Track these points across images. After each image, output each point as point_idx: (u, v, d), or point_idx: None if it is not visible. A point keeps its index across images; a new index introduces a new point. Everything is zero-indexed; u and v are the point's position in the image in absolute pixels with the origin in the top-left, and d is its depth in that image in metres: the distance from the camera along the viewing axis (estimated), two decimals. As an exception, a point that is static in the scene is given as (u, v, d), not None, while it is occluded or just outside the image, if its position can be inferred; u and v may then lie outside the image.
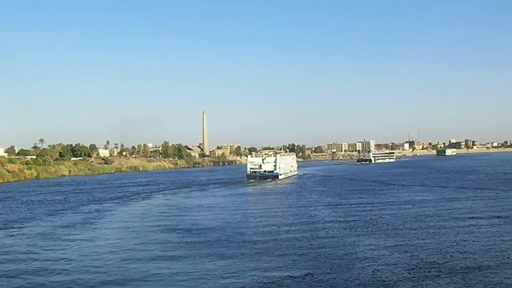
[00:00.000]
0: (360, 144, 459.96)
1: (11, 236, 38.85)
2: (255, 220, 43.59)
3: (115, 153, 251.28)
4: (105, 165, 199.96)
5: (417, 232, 34.28)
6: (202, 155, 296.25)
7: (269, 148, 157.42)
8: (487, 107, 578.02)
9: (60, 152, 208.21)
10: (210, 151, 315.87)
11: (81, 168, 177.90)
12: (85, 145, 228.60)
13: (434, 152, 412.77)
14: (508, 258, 25.77)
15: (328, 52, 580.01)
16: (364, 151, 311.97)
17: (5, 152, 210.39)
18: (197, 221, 43.92)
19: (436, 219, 40.03)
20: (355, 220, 40.79)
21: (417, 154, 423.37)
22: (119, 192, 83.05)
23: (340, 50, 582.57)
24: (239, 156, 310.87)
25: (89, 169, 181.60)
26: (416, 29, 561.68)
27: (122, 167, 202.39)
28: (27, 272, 26.16)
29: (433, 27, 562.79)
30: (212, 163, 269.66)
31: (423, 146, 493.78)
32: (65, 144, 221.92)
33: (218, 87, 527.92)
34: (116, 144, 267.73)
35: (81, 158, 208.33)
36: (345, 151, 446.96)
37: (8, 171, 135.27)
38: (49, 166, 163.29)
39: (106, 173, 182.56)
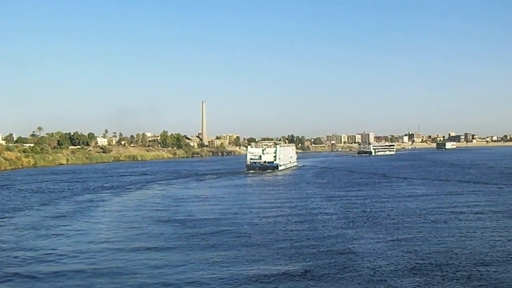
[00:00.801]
0: (359, 136, 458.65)
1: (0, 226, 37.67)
2: (252, 212, 42.40)
3: (114, 142, 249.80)
4: (103, 154, 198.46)
5: (418, 227, 33.16)
6: (201, 145, 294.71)
7: (268, 139, 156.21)
8: (487, 101, 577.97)
9: (58, 141, 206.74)
10: (209, 141, 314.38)
11: (79, 157, 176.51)
12: (84, 134, 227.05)
13: (434, 145, 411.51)
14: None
15: (328, 43, 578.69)
16: (364, 143, 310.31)
17: (3, 139, 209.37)
18: (192, 213, 42.73)
19: (438, 214, 38.91)
20: (355, 214, 39.65)
21: (417, 147, 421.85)
22: (115, 182, 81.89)
23: (340, 41, 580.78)
24: (238, 147, 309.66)
25: (87, 158, 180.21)
26: (416, 22, 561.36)
27: (120, 156, 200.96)
28: (12, 264, 25.01)
29: (433, 20, 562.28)
30: (211, 153, 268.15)
31: (422, 139, 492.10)
32: (64, 133, 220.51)
33: (218, 77, 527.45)
34: (114, 133, 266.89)
35: (79, 146, 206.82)
36: (344, 142, 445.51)
37: (6, 159, 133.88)
38: (47, 155, 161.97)
39: (104, 162, 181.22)
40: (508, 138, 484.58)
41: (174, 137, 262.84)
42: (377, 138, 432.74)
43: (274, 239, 29.93)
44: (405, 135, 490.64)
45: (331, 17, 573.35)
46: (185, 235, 31.75)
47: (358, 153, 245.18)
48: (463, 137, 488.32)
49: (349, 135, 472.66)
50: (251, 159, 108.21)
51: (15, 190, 68.54)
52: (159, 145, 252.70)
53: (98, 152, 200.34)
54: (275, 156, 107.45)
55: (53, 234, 33.40)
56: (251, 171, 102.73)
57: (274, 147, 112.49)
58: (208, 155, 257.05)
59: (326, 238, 29.83)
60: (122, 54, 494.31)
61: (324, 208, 44.16)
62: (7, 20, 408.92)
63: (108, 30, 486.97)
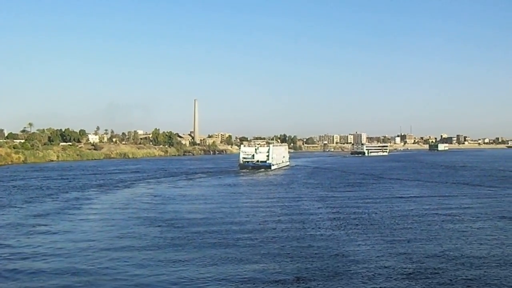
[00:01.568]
0: (351, 136, 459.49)
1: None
2: (243, 214, 41.17)
3: (105, 139, 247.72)
4: (94, 151, 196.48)
5: (413, 230, 32.25)
6: (193, 143, 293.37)
7: (260, 138, 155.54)
8: (480, 103, 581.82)
9: (49, 137, 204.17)
10: (201, 140, 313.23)
11: (69, 154, 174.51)
12: (75, 131, 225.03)
13: (426, 146, 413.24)
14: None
15: (321, 44, 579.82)
16: (357, 144, 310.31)
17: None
18: (180, 213, 41.54)
19: (432, 216, 38.16)
20: (348, 216, 38.57)
21: (409, 148, 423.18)
22: (104, 180, 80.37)
23: (334, 42, 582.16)
24: (230, 146, 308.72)
25: (77, 155, 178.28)
26: (409, 24, 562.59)
27: (112, 153, 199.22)
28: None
29: (426, 22, 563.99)
30: (202, 151, 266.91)
31: (414, 140, 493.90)
32: (55, 129, 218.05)
33: (210, 76, 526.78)
34: (106, 130, 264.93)
35: (70, 143, 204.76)
36: (336, 143, 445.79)
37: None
38: (37, 151, 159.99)
39: (95, 159, 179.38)
40: (500, 140, 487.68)
41: (166, 135, 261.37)
42: (369, 139, 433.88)
43: (263, 241, 28.89)
44: (397, 136, 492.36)
45: (326, 18, 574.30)
46: (170, 236, 30.61)
47: (351, 153, 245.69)
48: (455, 139, 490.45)
49: (342, 135, 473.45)
50: (244, 158, 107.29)
51: (0, 187, 66.91)
52: (151, 143, 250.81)
53: (89, 149, 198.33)
54: (268, 156, 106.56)
55: (34, 233, 32.21)
56: (243, 170, 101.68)
57: (267, 146, 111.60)
58: (200, 154, 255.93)
59: (318, 241, 28.82)
60: (114, 51, 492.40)
61: (316, 209, 43.15)
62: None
63: (100, 27, 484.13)
